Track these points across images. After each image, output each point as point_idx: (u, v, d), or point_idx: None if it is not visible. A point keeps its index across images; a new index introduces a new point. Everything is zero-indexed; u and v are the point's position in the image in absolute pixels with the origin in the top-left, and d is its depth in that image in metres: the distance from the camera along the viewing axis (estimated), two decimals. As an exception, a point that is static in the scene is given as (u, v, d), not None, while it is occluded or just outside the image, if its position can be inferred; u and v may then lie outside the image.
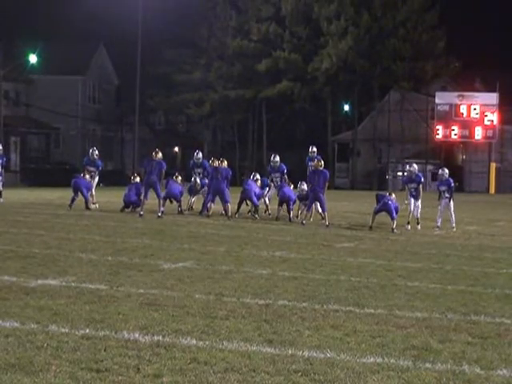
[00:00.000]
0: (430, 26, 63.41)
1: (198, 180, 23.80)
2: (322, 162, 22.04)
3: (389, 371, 6.32)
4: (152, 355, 6.53)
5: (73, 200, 23.59)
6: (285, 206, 22.30)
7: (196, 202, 24.33)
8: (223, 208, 22.22)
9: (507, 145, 64.04)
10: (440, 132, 62.05)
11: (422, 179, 22.25)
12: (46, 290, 9.30)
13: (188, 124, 73.70)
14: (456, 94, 62.27)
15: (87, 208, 23.54)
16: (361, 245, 16.39)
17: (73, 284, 9.85)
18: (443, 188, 21.33)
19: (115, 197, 28.92)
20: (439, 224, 21.07)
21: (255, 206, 22.87)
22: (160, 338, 7.11)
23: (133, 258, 12.57)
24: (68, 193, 25.06)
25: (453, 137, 62.17)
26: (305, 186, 22.27)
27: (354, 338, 7.37)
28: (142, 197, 22.00)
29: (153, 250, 13.81)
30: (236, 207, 23.01)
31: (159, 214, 21.27)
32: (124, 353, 6.57)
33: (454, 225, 21.04)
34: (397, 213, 20.07)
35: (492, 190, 60.85)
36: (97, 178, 25.12)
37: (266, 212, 23.57)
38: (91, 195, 24.39)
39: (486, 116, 60.69)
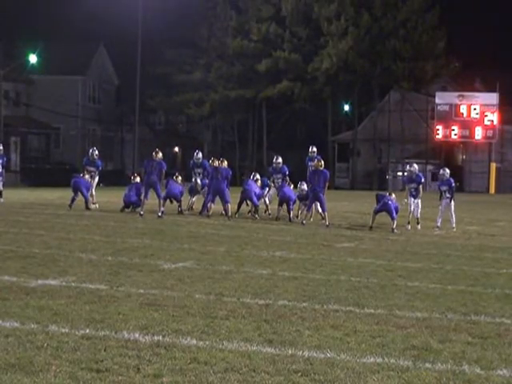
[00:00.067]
0: (430, 26, 63.40)
1: (199, 181, 23.79)
2: (322, 162, 22.03)
3: (389, 371, 6.32)
4: (152, 355, 6.53)
5: (73, 200, 23.60)
6: (285, 206, 22.30)
7: (196, 202, 24.33)
8: (223, 208, 22.22)
9: (507, 145, 64.05)
10: (440, 132, 62.07)
11: (423, 179, 22.24)
12: (46, 290, 9.30)
13: (188, 124, 73.71)
14: (456, 93, 62.29)
15: (87, 208, 23.54)
16: (361, 245, 16.39)
17: (73, 284, 9.85)
18: (444, 188, 21.32)
19: (115, 197, 28.92)
20: (439, 224, 21.06)
21: (255, 206, 22.87)
22: (160, 338, 7.10)
23: (133, 258, 12.57)
24: (68, 193, 25.06)
25: (453, 137, 62.19)
26: (305, 186, 22.28)
27: (354, 338, 7.37)
28: (142, 197, 22.01)
29: (153, 250, 13.81)
30: (236, 207, 23.01)
31: (159, 214, 21.28)
32: (124, 353, 6.57)
33: (454, 225, 21.04)
34: (397, 213, 20.07)
35: (492, 190, 60.85)
36: (97, 178, 25.11)
37: (265, 212, 23.57)
38: (91, 195, 24.40)
39: (486, 116, 60.71)
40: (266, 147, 67.06)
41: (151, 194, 21.66)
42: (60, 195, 31.44)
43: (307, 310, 8.69)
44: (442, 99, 61.99)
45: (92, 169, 24.88)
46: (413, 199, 21.05)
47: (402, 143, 64.76)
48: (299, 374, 6.16)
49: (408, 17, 63.18)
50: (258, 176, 23.76)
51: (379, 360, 6.62)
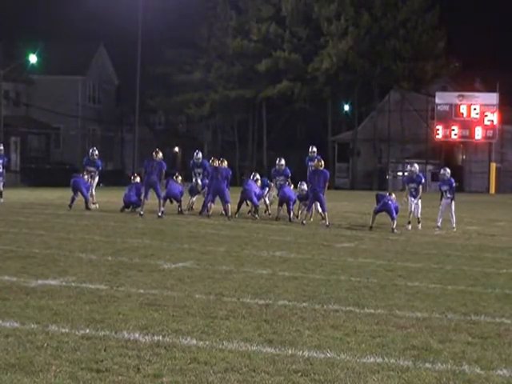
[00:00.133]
0: (430, 26, 63.38)
1: (199, 181, 23.79)
2: (322, 162, 22.03)
3: (389, 371, 6.32)
4: (152, 355, 6.53)
5: (72, 200, 23.60)
6: (285, 206, 22.30)
7: (196, 201, 24.32)
8: (223, 208, 22.22)
9: (507, 145, 64.05)
10: (440, 132, 62.06)
11: (423, 180, 22.24)
12: (46, 290, 9.31)
13: (188, 124, 73.71)
14: (456, 93, 62.28)
15: (87, 208, 23.54)
16: (361, 245, 16.39)
17: (73, 284, 9.85)
18: (445, 188, 21.32)
19: (115, 197, 28.92)
20: (439, 224, 21.06)
21: (255, 206, 22.87)
22: (160, 338, 7.11)
23: (133, 258, 12.57)
24: (68, 193, 25.06)
25: (453, 137, 62.18)
26: (305, 186, 22.28)
27: (354, 338, 7.37)
28: (142, 197, 22.02)
29: (153, 250, 13.81)
30: (236, 207, 23.02)
31: (159, 214, 21.28)
32: (124, 353, 6.57)
33: (454, 225, 21.04)
34: (397, 213, 20.07)
35: (492, 190, 60.86)
36: (97, 178, 25.12)
37: (266, 212, 23.57)
38: (91, 195, 24.41)
39: (486, 116, 60.70)
40: (266, 147, 67.06)
41: (151, 194, 21.67)
42: (60, 195, 31.44)
43: (307, 310, 8.69)
44: (442, 99, 61.99)
45: (92, 169, 24.89)
46: (413, 199, 21.06)
47: (402, 143, 64.75)
48: (299, 373, 6.16)
49: (408, 17, 63.17)
50: (258, 176, 23.77)
51: (379, 360, 6.62)
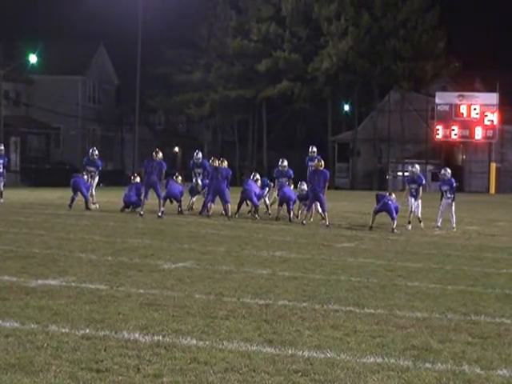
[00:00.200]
0: (430, 26, 63.40)
1: (199, 181, 23.79)
2: (322, 162, 22.04)
3: (389, 371, 6.32)
4: (152, 355, 6.53)
5: (72, 200, 23.60)
6: (285, 206, 22.30)
7: (196, 202, 24.33)
8: (223, 208, 22.21)
9: (507, 145, 64.05)
10: (440, 132, 62.07)
11: (424, 181, 22.24)
12: (46, 290, 9.30)
13: (188, 124, 73.71)
14: (456, 93, 62.29)
15: (87, 208, 23.54)
16: (361, 245, 16.39)
17: (73, 284, 9.85)
18: (445, 188, 21.32)
19: (115, 197, 28.93)
20: (439, 224, 21.06)
21: (255, 206, 22.87)
22: (160, 338, 7.10)
23: (133, 258, 12.57)
24: (68, 193, 25.06)
25: (453, 137, 62.18)
26: (305, 186, 22.28)
27: (354, 338, 7.37)
28: (142, 197, 22.02)
29: (153, 250, 13.81)
30: (236, 207, 23.02)
31: (159, 214, 21.28)
32: (124, 353, 6.57)
33: (454, 225, 21.04)
34: (397, 213, 20.07)
35: (492, 190, 60.86)
36: (97, 178, 25.12)
37: (266, 212, 23.58)
38: (91, 195, 24.41)
39: (486, 116, 60.71)
40: (266, 147, 67.07)
41: (151, 194, 21.67)
42: (60, 195, 31.43)
43: (307, 310, 8.69)
44: (442, 99, 61.99)
45: (92, 169, 24.89)
46: (413, 200, 21.06)
47: (402, 143, 64.76)
48: (299, 373, 6.16)
49: (408, 17, 63.18)
50: (258, 176, 23.77)
51: (379, 360, 6.62)
